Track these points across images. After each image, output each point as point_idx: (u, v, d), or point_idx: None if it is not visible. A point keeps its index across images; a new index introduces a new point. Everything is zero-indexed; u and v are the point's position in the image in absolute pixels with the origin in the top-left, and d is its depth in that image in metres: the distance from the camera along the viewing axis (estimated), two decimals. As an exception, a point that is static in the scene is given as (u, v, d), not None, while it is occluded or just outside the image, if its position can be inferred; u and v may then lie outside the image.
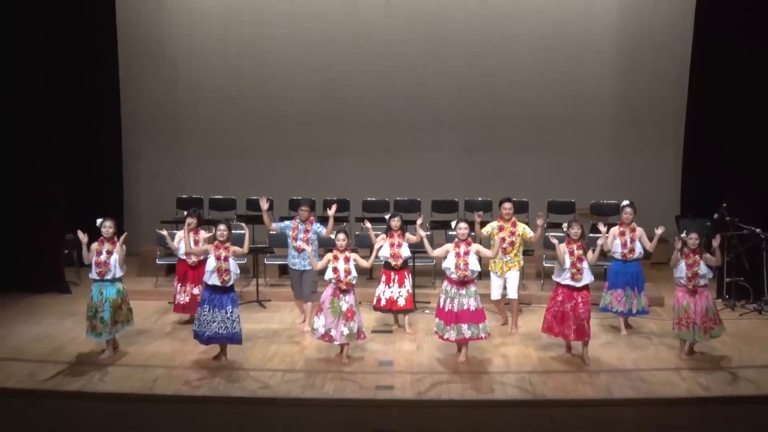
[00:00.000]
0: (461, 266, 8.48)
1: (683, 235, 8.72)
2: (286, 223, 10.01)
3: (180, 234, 9.80)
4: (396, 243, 9.62)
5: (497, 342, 9.21)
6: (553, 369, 8.41)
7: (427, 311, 10.33)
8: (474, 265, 8.53)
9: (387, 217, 10.10)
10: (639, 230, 9.55)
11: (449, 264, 8.54)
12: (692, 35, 12.77)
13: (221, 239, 8.50)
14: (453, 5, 13.57)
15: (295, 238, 9.79)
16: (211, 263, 8.40)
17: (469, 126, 13.76)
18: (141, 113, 13.82)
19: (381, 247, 9.50)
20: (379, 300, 9.68)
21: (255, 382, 8.02)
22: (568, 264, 8.60)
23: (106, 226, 8.76)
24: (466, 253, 8.52)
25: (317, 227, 9.86)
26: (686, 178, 13.16)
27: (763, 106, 10.89)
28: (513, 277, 9.67)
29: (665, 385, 7.93)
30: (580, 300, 8.57)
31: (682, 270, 8.57)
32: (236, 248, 8.59)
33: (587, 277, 8.62)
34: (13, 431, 7.67)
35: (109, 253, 8.70)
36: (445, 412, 7.56)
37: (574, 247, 8.63)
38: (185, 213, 9.96)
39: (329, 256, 8.75)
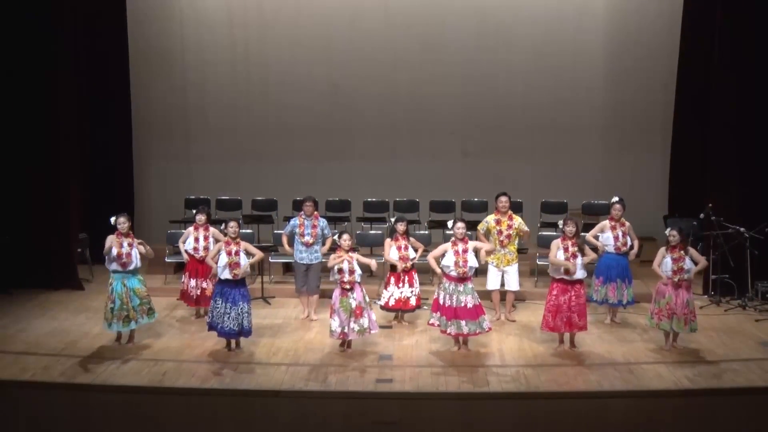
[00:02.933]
0: (461, 263, 8.70)
1: (667, 231, 8.98)
2: (292, 222, 10.29)
3: (188, 230, 10.17)
4: (403, 246, 9.81)
5: (493, 337, 9.33)
6: (546, 363, 8.55)
7: (425, 307, 10.35)
8: (472, 262, 8.79)
9: (392, 220, 10.30)
10: (627, 224, 9.90)
11: (449, 262, 8.75)
12: (679, 43, 12.96)
13: (233, 236, 8.78)
14: (451, 15, 13.75)
15: (303, 234, 10.07)
16: (224, 259, 8.66)
17: (467, 130, 13.96)
18: (151, 117, 14.02)
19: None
20: (387, 301, 9.88)
21: (260, 376, 8.15)
22: (562, 259, 8.80)
23: (121, 222, 8.99)
24: (465, 251, 8.74)
25: (324, 225, 10.22)
26: (673, 180, 13.35)
27: (742, 111, 11.05)
28: (512, 270, 10.02)
29: (653, 377, 8.07)
30: (573, 294, 8.78)
31: (667, 264, 8.76)
32: (249, 246, 8.88)
33: (580, 273, 8.80)
34: (29, 423, 7.83)
35: (130, 245, 8.97)
36: (442, 404, 7.70)
37: (569, 243, 8.81)
38: (194, 211, 10.22)
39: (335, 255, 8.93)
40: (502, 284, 10.14)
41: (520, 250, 10.68)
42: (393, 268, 9.87)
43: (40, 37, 11.42)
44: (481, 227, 10.03)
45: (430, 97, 13.92)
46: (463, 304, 8.70)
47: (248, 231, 11.90)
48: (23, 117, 11.50)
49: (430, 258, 9.08)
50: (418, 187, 13.46)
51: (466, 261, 8.73)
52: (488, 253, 9.68)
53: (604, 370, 8.31)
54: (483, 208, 12.81)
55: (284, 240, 10.38)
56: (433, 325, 8.99)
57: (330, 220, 12.58)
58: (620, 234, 9.83)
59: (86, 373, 8.20)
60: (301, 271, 10.20)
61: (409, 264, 9.83)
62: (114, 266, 8.95)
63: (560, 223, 9.12)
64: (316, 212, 10.20)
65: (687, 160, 12.98)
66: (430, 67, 13.85)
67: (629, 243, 9.90)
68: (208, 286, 9.90)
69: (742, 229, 10.57)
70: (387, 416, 7.58)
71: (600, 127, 13.93)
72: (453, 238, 8.89)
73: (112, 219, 9.06)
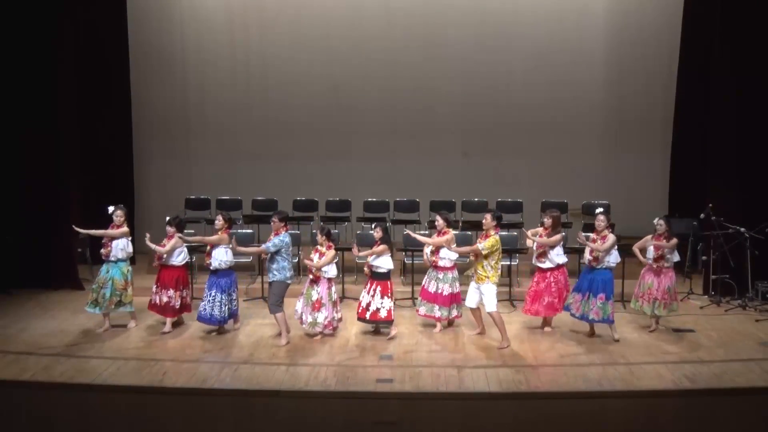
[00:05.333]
0: (430, 254, 9.58)
1: (655, 220, 9.49)
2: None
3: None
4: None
5: (493, 337, 9.32)
6: (546, 363, 8.59)
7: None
8: (445, 253, 9.48)
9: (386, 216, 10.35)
10: (611, 237, 9.18)
11: (427, 251, 9.64)
12: (679, 44, 12.94)
13: (217, 228, 9.47)
14: (450, 16, 13.78)
15: None
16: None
17: (467, 130, 13.98)
18: (151, 117, 14.03)
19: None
20: (358, 307, 9.48)
21: (260, 376, 8.16)
22: (534, 246, 9.54)
23: (117, 215, 9.62)
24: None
25: (284, 237, 9.19)
26: (674, 180, 13.33)
27: (742, 111, 11.11)
28: (486, 289, 9.10)
29: (653, 377, 8.10)
30: (552, 280, 9.48)
31: (650, 252, 9.45)
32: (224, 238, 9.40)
33: (554, 261, 9.45)
34: (29, 422, 7.83)
35: (114, 237, 9.57)
36: (442, 404, 7.71)
37: (545, 234, 9.51)
38: (167, 218, 9.77)
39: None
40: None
41: (520, 250, 10.67)
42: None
43: (41, 37, 11.44)
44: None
45: (430, 97, 13.95)
46: (440, 291, 9.55)
47: (248, 231, 11.90)
48: (24, 117, 11.51)
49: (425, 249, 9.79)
50: (418, 187, 13.48)
51: (436, 252, 9.51)
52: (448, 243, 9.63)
53: (604, 370, 8.32)
54: (483, 208, 12.79)
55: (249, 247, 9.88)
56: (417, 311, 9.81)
57: (330, 220, 12.60)
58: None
59: (86, 374, 8.18)
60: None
61: (367, 271, 9.39)
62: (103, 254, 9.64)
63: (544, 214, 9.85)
64: (284, 227, 9.28)
65: (687, 160, 12.97)
66: (430, 67, 13.87)
67: (606, 259, 9.16)
68: (170, 297, 9.59)
69: (742, 229, 10.59)
70: (387, 416, 7.57)
71: (600, 127, 13.96)
72: (437, 230, 9.61)
73: (111, 209, 9.68)
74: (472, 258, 9.28)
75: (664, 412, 7.70)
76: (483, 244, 9.02)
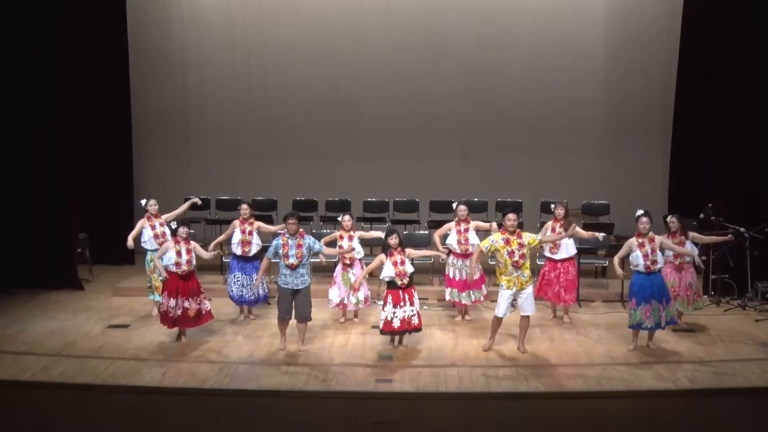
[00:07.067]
0: (462, 242, 9.87)
1: (668, 218, 9.54)
2: (275, 243, 8.93)
3: (167, 245, 9.27)
4: (399, 261, 8.83)
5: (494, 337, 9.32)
6: (546, 363, 8.57)
7: (425, 307, 10.48)
8: (473, 240, 9.85)
9: (383, 235, 9.36)
10: (658, 239, 8.90)
11: (453, 241, 9.88)
12: (678, 44, 12.96)
13: (245, 216, 9.98)
14: (450, 16, 13.78)
15: (287, 255, 8.79)
16: (237, 236, 9.90)
17: (467, 130, 13.99)
18: (151, 117, 14.01)
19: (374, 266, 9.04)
20: (389, 322, 8.80)
21: (260, 376, 8.18)
22: (549, 240, 9.70)
23: (152, 204, 10.22)
24: (466, 230, 9.95)
25: (311, 242, 8.94)
26: (673, 180, 13.34)
27: (742, 111, 11.12)
28: (527, 293, 8.71)
29: (653, 377, 8.09)
30: (561, 270, 9.96)
31: (667, 251, 9.26)
32: (263, 225, 10.14)
33: (565, 252, 9.95)
34: (29, 422, 7.82)
35: (162, 225, 10.17)
36: (442, 405, 7.70)
37: (557, 225, 9.86)
38: (173, 225, 9.64)
39: (336, 234, 9.99)
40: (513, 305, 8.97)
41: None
42: (390, 285, 8.86)
43: (40, 37, 11.43)
44: (484, 245, 8.75)
45: (430, 96, 13.97)
46: (465, 278, 9.79)
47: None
48: (23, 117, 11.51)
49: (435, 236, 10.02)
50: (418, 187, 13.49)
51: (467, 239, 9.88)
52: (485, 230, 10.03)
53: (604, 370, 8.32)
54: (483, 208, 12.84)
55: (265, 264, 9.11)
56: (447, 300, 10.14)
57: (330, 220, 12.60)
58: (649, 251, 8.77)
59: (86, 374, 8.17)
60: (286, 297, 8.88)
61: (406, 280, 8.84)
62: (153, 245, 10.03)
63: (552, 206, 10.20)
64: (301, 230, 8.97)
65: (687, 160, 12.97)
66: (430, 66, 13.89)
67: (660, 261, 8.84)
68: (190, 305, 9.04)
69: (742, 229, 10.56)
70: (387, 416, 7.57)
71: (600, 127, 13.97)
72: (456, 219, 10.00)
73: (143, 201, 10.29)
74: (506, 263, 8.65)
75: (664, 412, 7.68)
76: (533, 239, 8.73)
